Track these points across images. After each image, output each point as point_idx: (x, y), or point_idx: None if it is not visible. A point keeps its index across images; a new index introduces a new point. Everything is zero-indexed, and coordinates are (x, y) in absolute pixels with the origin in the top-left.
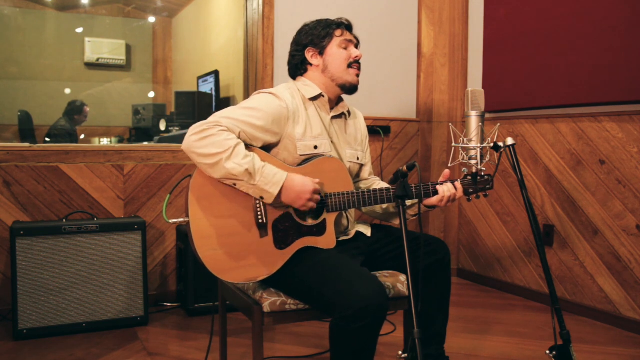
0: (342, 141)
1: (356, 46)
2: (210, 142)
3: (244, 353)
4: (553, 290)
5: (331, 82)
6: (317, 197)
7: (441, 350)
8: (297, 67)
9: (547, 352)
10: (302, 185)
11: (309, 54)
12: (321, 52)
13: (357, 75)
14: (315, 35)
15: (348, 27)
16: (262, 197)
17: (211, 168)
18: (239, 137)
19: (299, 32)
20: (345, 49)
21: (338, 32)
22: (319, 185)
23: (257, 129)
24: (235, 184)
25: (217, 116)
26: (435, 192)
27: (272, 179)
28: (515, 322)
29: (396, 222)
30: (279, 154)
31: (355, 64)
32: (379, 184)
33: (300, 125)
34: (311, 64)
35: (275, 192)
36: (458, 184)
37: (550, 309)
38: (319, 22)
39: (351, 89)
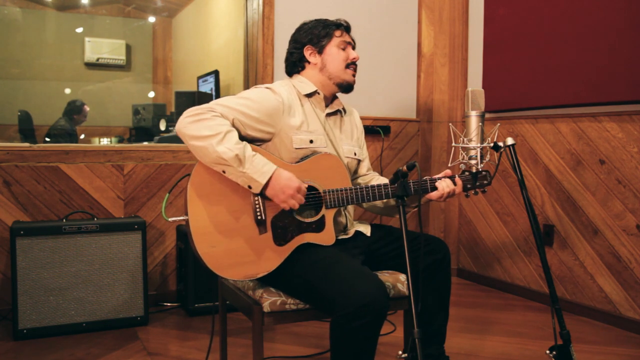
0: (338, 137)
1: (353, 48)
2: (203, 125)
3: (244, 353)
4: (553, 290)
5: (328, 81)
6: (300, 197)
7: (441, 350)
8: (295, 65)
9: (547, 352)
10: (288, 179)
11: (308, 52)
12: (320, 51)
13: (354, 76)
14: (314, 34)
15: (347, 28)
16: (249, 187)
17: (201, 151)
18: (232, 125)
19: (298, 30)
20: (344, 49)
21: (337, 33)
22: (305, 188)
23: (251, 119)
24: (224, 171)
25: (212, 103)
26: (434, 188)
27: (261, 168)
28: (515, 322)
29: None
30: (275, 150)
31: (352, 65)
32: (378, 179)
33: (296, 118)
34: (309, 62)
35: (263, 181)
36: (457, 179)
37: (550, 308)
38: (318, 22)
39: (348, 87)
